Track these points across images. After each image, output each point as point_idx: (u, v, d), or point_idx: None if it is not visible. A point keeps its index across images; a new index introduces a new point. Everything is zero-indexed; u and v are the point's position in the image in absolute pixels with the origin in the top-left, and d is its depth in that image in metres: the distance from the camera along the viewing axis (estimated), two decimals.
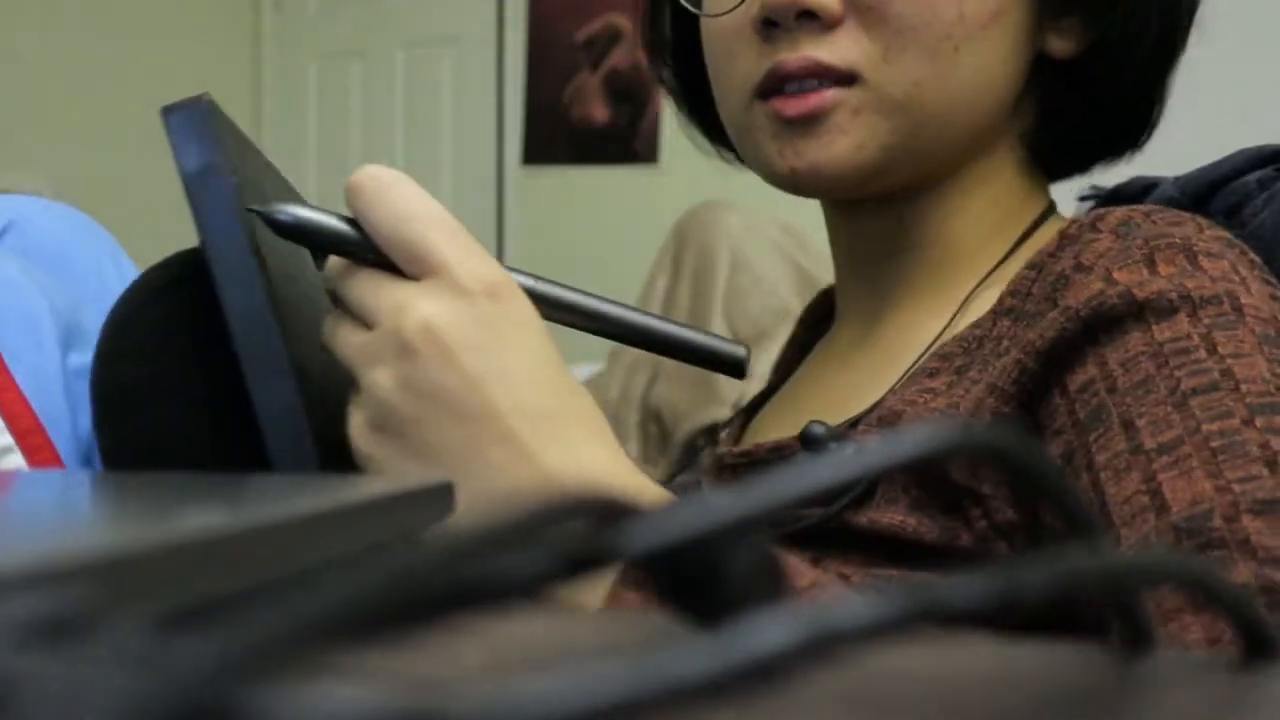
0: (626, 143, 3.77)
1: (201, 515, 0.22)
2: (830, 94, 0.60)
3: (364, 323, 0.48)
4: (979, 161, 0.66)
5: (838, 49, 0.60)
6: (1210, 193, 0.70)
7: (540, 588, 0.16)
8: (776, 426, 0.70)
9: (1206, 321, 0.54)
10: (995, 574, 0.17)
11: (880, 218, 0.67)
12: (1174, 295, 0.55)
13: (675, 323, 0.55)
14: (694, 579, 0.17)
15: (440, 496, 0.32)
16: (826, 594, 0.46)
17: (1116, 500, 0.52)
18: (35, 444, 0.50)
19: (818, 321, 0.79)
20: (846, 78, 0.60)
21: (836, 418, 0.62)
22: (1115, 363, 0.54)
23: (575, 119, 3.93)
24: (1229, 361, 0.53)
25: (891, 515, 0.56)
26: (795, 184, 0.64)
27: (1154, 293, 0.55)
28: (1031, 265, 0.61)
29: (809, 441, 0.56)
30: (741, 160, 0.70)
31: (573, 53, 3.94)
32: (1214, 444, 0.50)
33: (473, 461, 0.47)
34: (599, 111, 3.87)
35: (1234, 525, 0.48)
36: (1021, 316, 0.59)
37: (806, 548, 0.55)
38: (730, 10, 0.63)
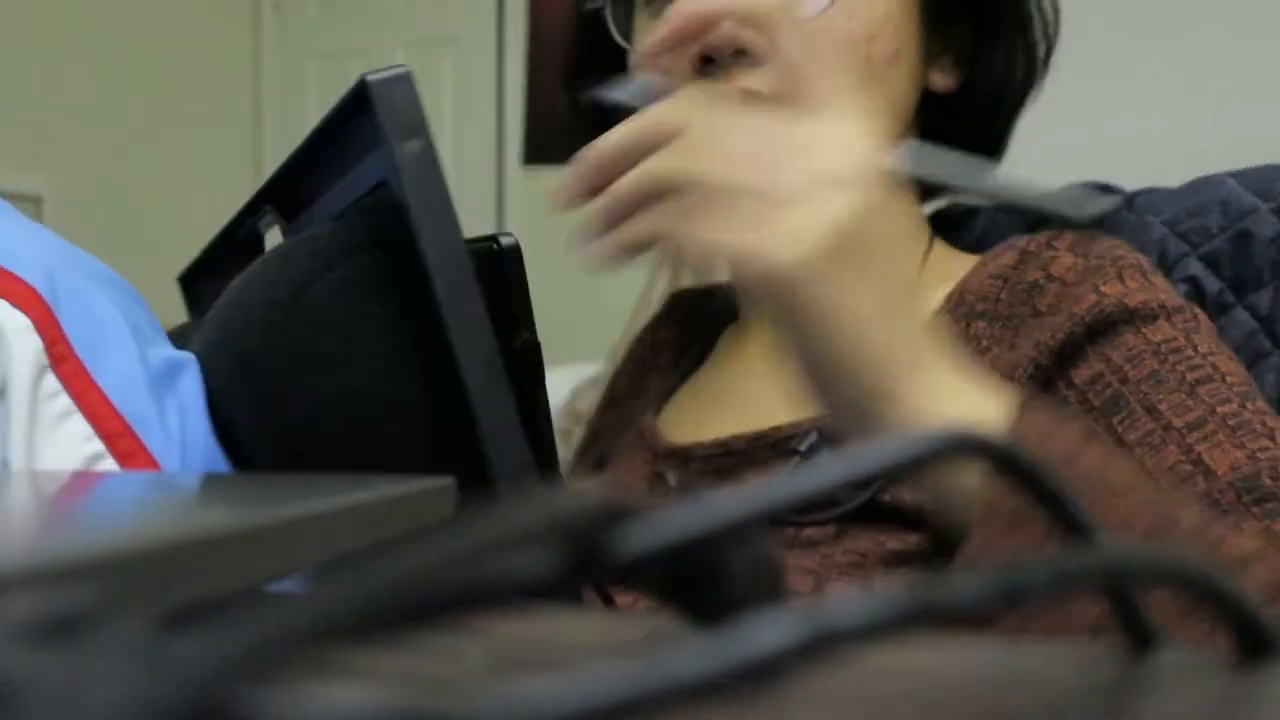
0: None
1: (202, 515, 0.22)
2: None
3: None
4: None
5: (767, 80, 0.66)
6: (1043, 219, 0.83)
7: (540, 588, 0.16)
8: (715, 421, 0.74)
9: (1182, 326, 0.65)
10: (995, 574, 0.17)
11: None
12: (1154, 305, 0.65)
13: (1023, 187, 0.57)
14: (694, 579, 0.17)
15: (440, 496, 0.32)
16: None
17: (1160, 469, 0.60)
18: (127, 448, 0.49)
19: (693, 324, 0.87)
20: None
21: (786, 416, 0.68)
22: (1120, 359, 0.63)
23: None
24: (1212, 359, 0.63)
25: (911, 492, 0.62)
26: None
27: (1140, 302, 0.65)
28: (996, 276, 0.69)
29: (827, 434, 0.65)
30: None
31: None
32: (1230, 422, 0.60)
33: (890, 300, 0.50)
34: None
35: (1279, 483, 0.57)
36: (997, 319, 0.68)
37: (846, 526, 0.63)
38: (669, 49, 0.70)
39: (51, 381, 0.48)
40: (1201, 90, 2.75)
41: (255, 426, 0.51)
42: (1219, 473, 0.58)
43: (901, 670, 0.22)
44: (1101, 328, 0.64)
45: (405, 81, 0.49)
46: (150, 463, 0.49)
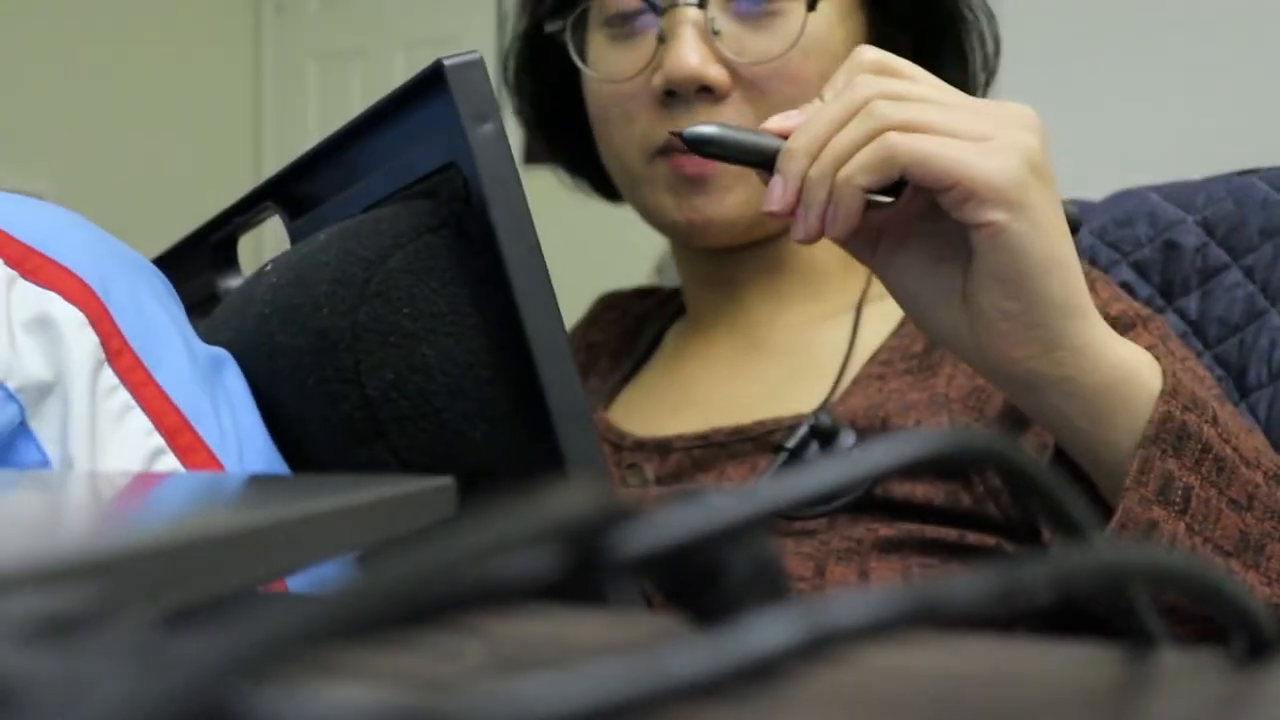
0: None
1: (202, 515, 0.22)
2: None
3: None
4: None
5: (725, 118, 0.71)
6: None
7: (541, 588, 0.16)
8: (680, 416, 0.78)
9: (1157, 333, 0.69)
10: (995, 574, 0.17)
11: (754, 251, 0.78)
12: (1131, 313, 0.69)
13: None
14: (694, 579, 0.18)
15: (440, 496, 0.32)
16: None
17: None
18: (187, 443, 0.48)
19: (627, 324, 0.90)
20: None
21: (766, 411, 0.72)
22: None
23: None
24: (1188, 362, 0.68)
25: (901, 487, 0.65)
26: (688, 234, 0.75)
27: (1119, 311, 0.69)
28: None
29: (819, 431, 0.67)
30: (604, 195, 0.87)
31: None
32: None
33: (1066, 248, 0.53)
34: None
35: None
36: None
37: (839, 516, 0.65)
38: (631, 79, 0.73)
39: (109, 376, 0.48)
40: (1185, 94, 2.76)
41: (327, 403, 0.51)
42: None
43: (901, 670, 0.22)
44: None
45: (479, 66, 0.51)
46: (210, 458, 0.48)
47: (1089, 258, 0.88)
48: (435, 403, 0.50)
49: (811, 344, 0.76)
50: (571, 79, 0.80)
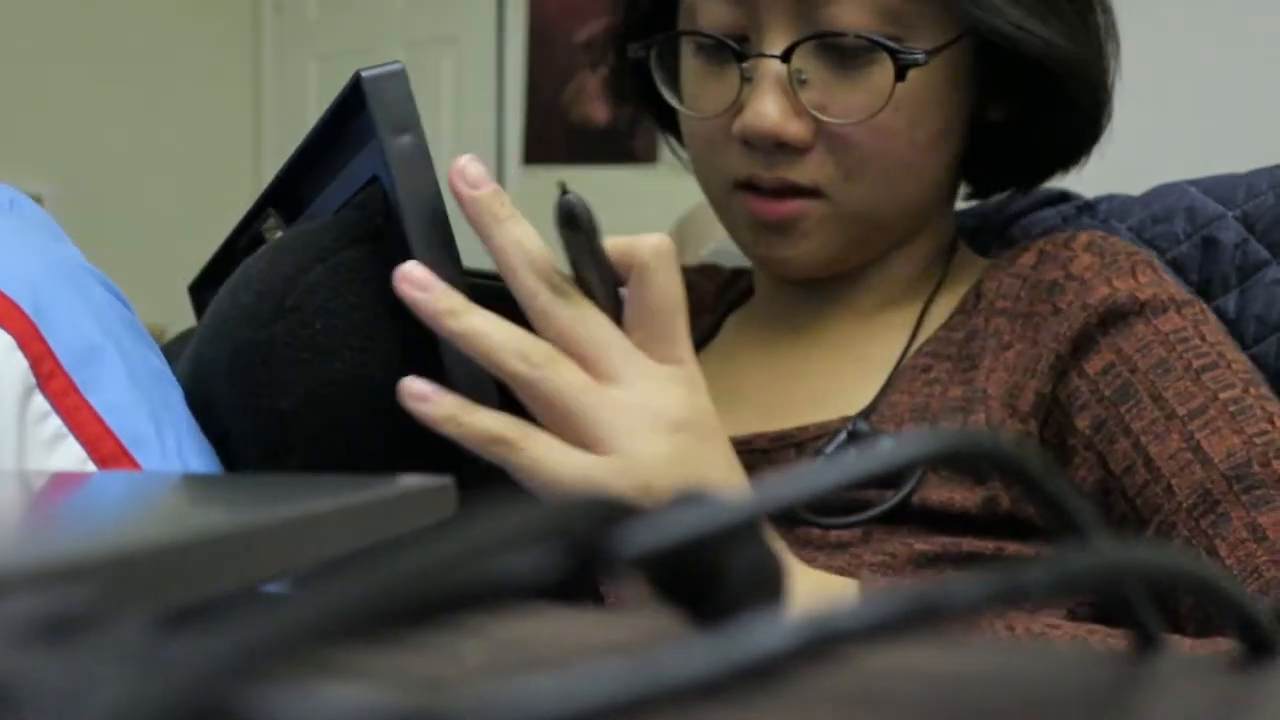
0: (626, 143, 3.76)
1: (201, 516, 0.22)
2: (797, 204, 0.69)
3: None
4: (922, 226, 0.76)
5: (806, 171, 0.68)
6: (1008, 223, 0.87)
7: (541, 588, 0.16)
8: (731, 415, 0.75)
9: (1191, 317, 0.68)
10: (995, 575, 0.17)
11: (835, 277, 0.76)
12: (1164, 297, 0.68)
13: None
14: (695, 579, 0.17)
15: (441, 496, 0.32)
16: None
17: (1162, 457, 0.64)
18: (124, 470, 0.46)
19: (694, 302, 0.88)
20: (812, 192, 0.69)
21: (822, 414, 0.70)
22: (1131, 349, 0.67)
23: (575, 119, 3.93)
24: (1219, 347, 0.67)
25: (938, 493, 0.64)
26: (770, 267, 0.74)
27: (1151, 295, 0.68)
28: (1016, 275, 0.72)
29: (856, 436, 0.67)
30: None
31: (573, 53, 3.93)
32: (1231, 408, 0.63)
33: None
34: (599, 111, 3.87)
35: (1268, 469, 0.61)
36: (1018, 316, 0.70)
37: (875, 529, 0.64)
38: (716, 117, 0.70)
39: (40, 402, 0.45)
40: (1197, 95, 2.76)
41: (242, 416, 0.51)
42: (1215, 460, 0.62)
43: (901, 671, 0.22)
44: (1113, 319, 0.67)
45: (399, 77, 0.50)
46: None
47: None
48: (344, 418, 0.50)
49: (872, 342, 0.74)
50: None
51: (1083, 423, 0.66)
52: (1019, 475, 0.21)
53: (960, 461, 0.19)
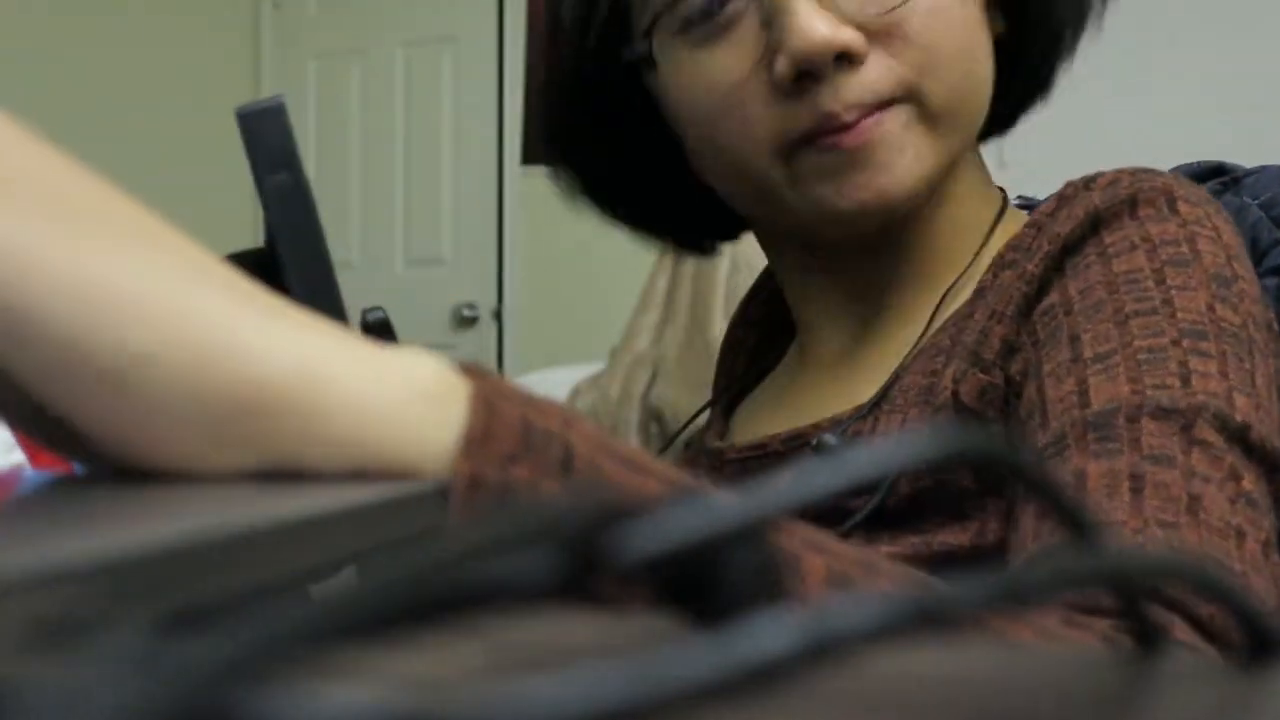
0: None
1: (201, 517, 0.21)
2: (880, 116, 0.62)
3: None
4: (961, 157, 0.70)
5: (872, 84, 0.62)
6: None
7: (540, 589, 0.16)
8: (771, 426, 0.72)
9: (1163, 258, 0.60)
10: (995, 576, 0.17)
11: (881, 235, 0.69)
12: (1136, 237, 0.61)
13: None
14: (695, 581, 0.17)
15: (441, 497, 0.32)
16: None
17: (1053, 400, 0.57)
18: (50, 461, 0.46)
19: (770, 328, 0.82)
20: (890, 101, 0.63)
21: (826, 411, 0.67)
22: (1075, 290, 0.60)
23: None
24: (1172, 292, 0.59)
25: (910, 486, 0.60)
26: (858, 217, 0.65)
27: (1120, 237, 0.61)
28: (1031, 224, 0.65)
29: (822, 450, 0.62)
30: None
31: None
32: (1140, 356, 0.57)
33: None
34: None
35: (1134, 425, 0.54)
36: (1016, 265, 0.64)
37: (862, 533, 0.60)
38: (745, 80, 0.63)
39: None
40: (1209, 90, 2.75)
41: None
42: (1093, 405, 0.56)
43: (903, 673, 0.21)
44: (1073, 245, 0.62)
45: (275, 112, 0.49)
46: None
47: (1250, 237, 0.76)
48: None
49: (893, 333, 0.70)
50: (619, 127, 0.73)
51: (1015, 368, 0.61)
52: (1017, 475, 0.20)
53: (962, 463, 0.19)
